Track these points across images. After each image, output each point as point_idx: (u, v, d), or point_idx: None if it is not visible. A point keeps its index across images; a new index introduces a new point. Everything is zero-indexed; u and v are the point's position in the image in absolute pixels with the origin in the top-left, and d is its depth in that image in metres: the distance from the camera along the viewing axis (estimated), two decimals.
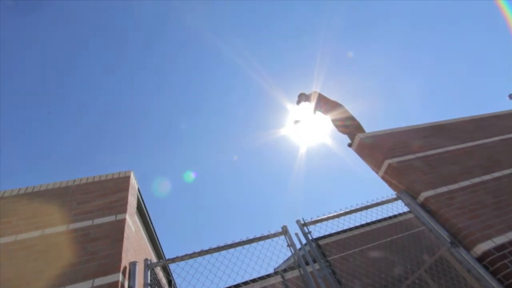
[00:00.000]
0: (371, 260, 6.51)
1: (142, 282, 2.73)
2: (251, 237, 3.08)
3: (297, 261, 3.00)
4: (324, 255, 3.18)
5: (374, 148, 4.31)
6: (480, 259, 2.99)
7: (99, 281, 2.49)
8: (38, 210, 3.21)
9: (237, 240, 3.03)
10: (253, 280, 5.10)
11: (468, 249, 3.08)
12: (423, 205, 3.57)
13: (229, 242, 3.00)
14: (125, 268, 2.68)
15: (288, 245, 3.14)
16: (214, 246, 2.97)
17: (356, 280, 5.17)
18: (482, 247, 3.01)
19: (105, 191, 3.41)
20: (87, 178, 3.59)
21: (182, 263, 2.90)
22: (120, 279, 2.51)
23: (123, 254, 2.74)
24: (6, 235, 2.90)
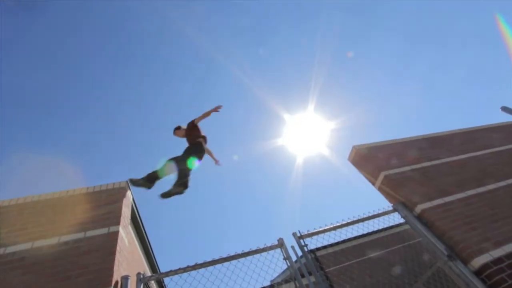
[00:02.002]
0: (369, 272, 6.43)
1: None
2: (246, 250, 3.03)
3: (293, 275, 2.95)
4: (321, 268, 3.13)
5: (370, 159, 4.32)
6: (478, 272, 2.97)
7: None
8: (29, 221, 3.14)
9: (232, 254, 2.98)
10: None
11: (465, 262, 3.06)
12: (419, 217, 3.56)
13: (224, 256, 2.94)
14: (116, 282, 2.61)
15: (285, 258, 3.10)
16: (209, 259, 2.91)
17: None
18: (480, 261, 2.99)
19: (99, 203, 3.35)
20: (81, 189, 3.53)
21: (176, 277, 2.83)
22: None
23: (115, 268, 2.68)
24: None
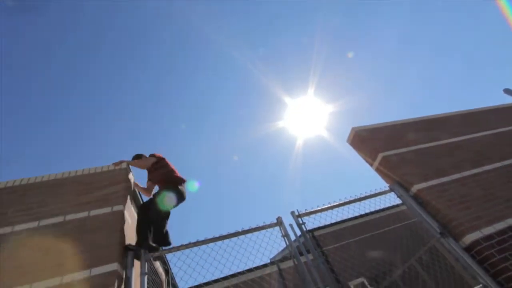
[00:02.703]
0: (365, 250, 6.65)
1: (139, 271, 2.78)
2: (246, 228, 3.13)
3: (292, 252, 3.06)
4: (319, 246, 3.25)
5: (368, 141, 4.36)
6: (468, 249, 3.09)
7: (96, 270, 2.52)
8: (34, 201, 3.21)
9: (232, 231, 3.08)
10: (249, 270, 5.19)
11: (457, 239, 3.18)
12: (415, 197, 3.65)
13: (224, 233, 3.05)
14: (122, 258, 2.72)
15: (283, 236, 3.20)
16: (210, 236, 3.02)
17: (349, 269, 5.29)
18: (471, 238, 3.11)
19: (102, 183, 3.42)
20: (83, 170, 3.59)
21: (178, 253, 2.95)
22: (117, 268, 2.55)
23: (120, 245, 2.78)
24: (2, 226, 2.91)
